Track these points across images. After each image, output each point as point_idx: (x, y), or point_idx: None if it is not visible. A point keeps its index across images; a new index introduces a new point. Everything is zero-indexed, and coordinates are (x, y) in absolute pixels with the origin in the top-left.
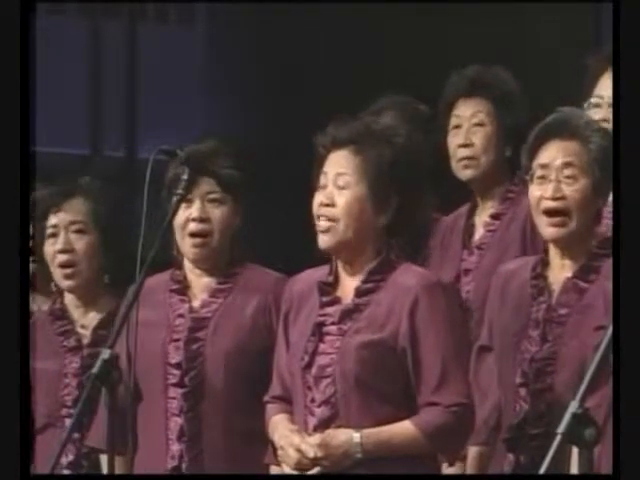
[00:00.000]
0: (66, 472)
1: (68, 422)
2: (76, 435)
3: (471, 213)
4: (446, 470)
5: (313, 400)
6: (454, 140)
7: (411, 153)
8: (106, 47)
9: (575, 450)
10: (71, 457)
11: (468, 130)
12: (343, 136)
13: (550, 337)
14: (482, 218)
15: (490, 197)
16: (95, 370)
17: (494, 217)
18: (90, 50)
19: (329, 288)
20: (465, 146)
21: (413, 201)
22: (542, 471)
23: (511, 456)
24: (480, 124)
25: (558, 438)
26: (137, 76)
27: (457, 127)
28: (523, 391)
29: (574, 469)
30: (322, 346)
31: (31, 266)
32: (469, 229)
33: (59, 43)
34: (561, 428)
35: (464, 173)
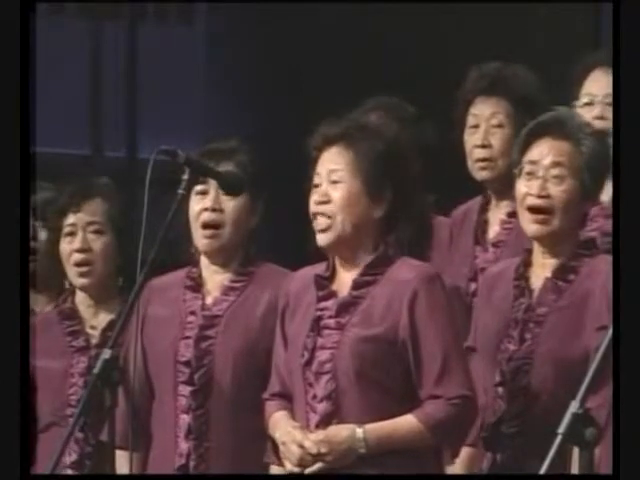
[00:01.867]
0: (69, 472)
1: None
2: (79, 435)
3: (484, 208)
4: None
5: (315, 396)
6: (471, 140)
7: (401, 146)
8: (106, 47)
9: (575, 450)
10: (74, 456)
11: (486, 131)
12: (334, 133)
13: (528, 336)
14: (497, 215)
15: (505, 196)
16: (96, 370)
17: (511, 215)
18: (90, 50)
19: (326, 282)
20: (483, 147)
21: (407, 194)
22: (542, 471)
23: (489, 454)
24: (499, 125)
25: (558, 438)
26: (137, 76)
27: (475, 127)
28: (501, 390)
29: (574, 469)
30: (321, 341)
31: (37, 265)
32: (482, 225)
33: (59, 43)
34: (561, 428)
35: (480, 174)
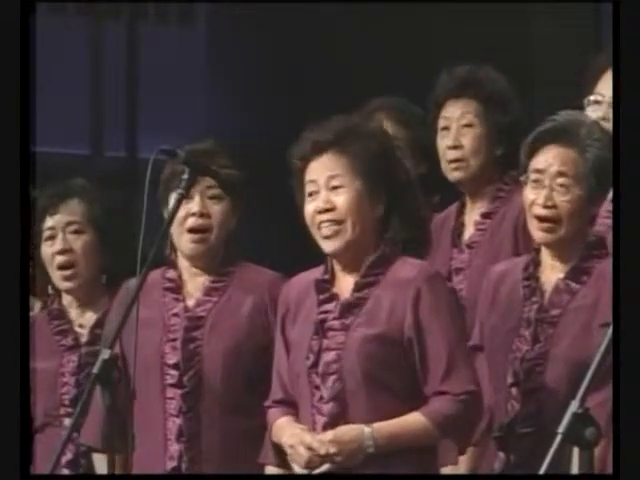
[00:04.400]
0: (64, 471)
1: (67, 421)
2: (75, 434)
3: (460, 212)
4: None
5: (321, 398)
6: (443, 142)
7: (391, 143)
8: (106, 47)
9: (575, 450)
10: (70, 456)
11: (457, 131)
12: (324, 139)
13: (542, 337)
14: (472, 217)
15: (480, 197)
16: (95, 370)
17: (484, 216)
18: (90, 50)
19: (326, 285)
20: (454, 148)
21: (401, 191)
22: (542, 471)
23: (501, 454)
24: (469, 125)
25: (558, 438)
26: (137, 76)
27: (446, 129)
28: (514, 390)
29: (574, 469)
30: (326, 342)
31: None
32: (459, 228)
33: (59, 43)
34: (561, 428)
35: (453, 175)
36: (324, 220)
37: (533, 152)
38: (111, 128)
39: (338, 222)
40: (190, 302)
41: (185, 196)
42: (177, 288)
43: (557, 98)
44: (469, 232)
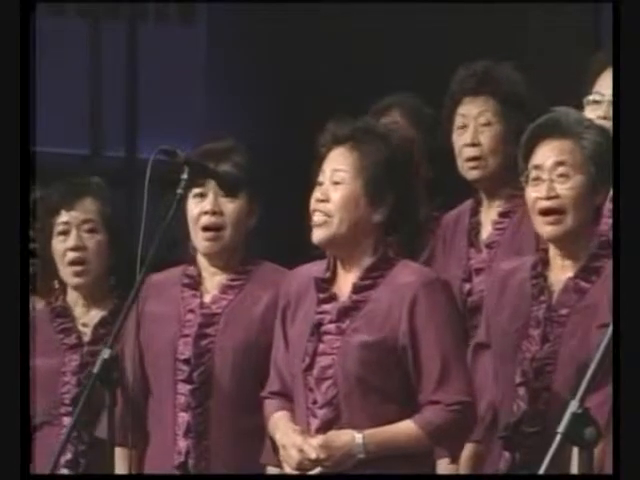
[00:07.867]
0: (64, 471)
1: (67, 420)
2: (74, 434)
3: (475, 210)
4: (442, 468)
5: (315, 402)
6: (460, 139)
7: (406, 151)
8: (106, 47)
9: (575, 450)
10: (69, 455)
11: (475, 130)
12: (343, 133)
13: (551, 337)
14: (489, 216)
15: (496, 196)
16: (96, 369)
17: (503, 215)
18: (90, 50)
19: (326, 284)
20: (472, 145)
21: (409, 199)
22: (542, 471)
23: (507, 454)
24: (487, 124)
25: (558, 438)
26: (137, 76)
27: (463, 127)
28: (522, 390)
29: (574, 469)
30: (322, 346)
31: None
32: (475, 227)
33: (59, 43)
34: (561, 428)
35: (471, 173)
36: (317, 209)
37: (529, 151)
38: (111, 128)
39: (328, 215)
40: (207, 298)
41: (184, 196)
42: (195, 284)
43: (556, 98)
44: (487, 231)
